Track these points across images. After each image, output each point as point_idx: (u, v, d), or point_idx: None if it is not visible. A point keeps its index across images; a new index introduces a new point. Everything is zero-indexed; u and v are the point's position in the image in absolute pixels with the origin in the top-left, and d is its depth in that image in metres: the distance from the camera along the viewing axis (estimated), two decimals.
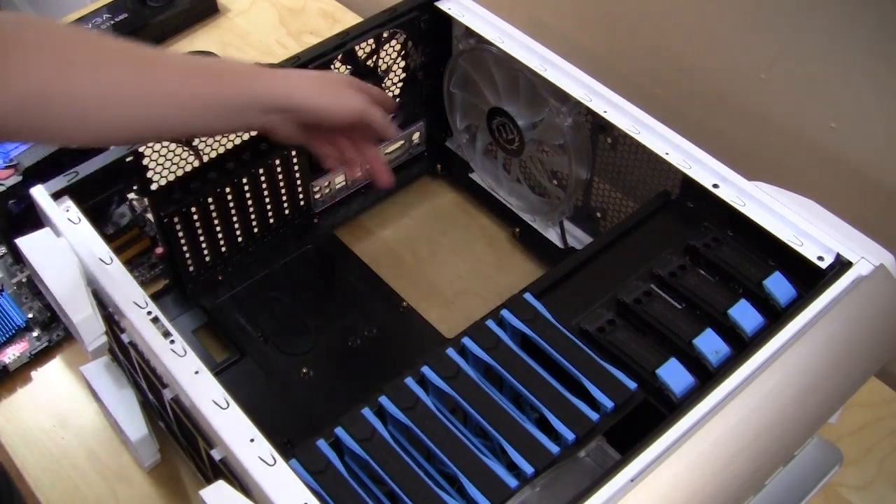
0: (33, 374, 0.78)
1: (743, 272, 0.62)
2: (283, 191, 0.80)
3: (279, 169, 0.78)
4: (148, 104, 0.58)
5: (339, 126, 0.67)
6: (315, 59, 0.76)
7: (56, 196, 0.64)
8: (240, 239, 0.80)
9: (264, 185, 0.78)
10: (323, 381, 0.74)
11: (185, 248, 0.76)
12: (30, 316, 0.79)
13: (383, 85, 0.84)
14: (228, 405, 0.52)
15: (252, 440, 0.50)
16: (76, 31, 0.57)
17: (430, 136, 0.91)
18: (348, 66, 0.80)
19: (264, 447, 0.50)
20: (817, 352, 0.55)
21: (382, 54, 0.82)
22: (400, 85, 0.86)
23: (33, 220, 0.68)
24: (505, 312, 0.60)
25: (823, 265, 0.60)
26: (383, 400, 0.56)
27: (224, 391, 0.53)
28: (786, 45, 0.75)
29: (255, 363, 0.75)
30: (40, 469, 0.71)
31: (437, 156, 0.92)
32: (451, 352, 0.58)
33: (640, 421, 0.54)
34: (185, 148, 0.72)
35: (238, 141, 0.75)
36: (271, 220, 0.81)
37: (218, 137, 0.74)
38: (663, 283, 0.62)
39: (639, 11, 0.85)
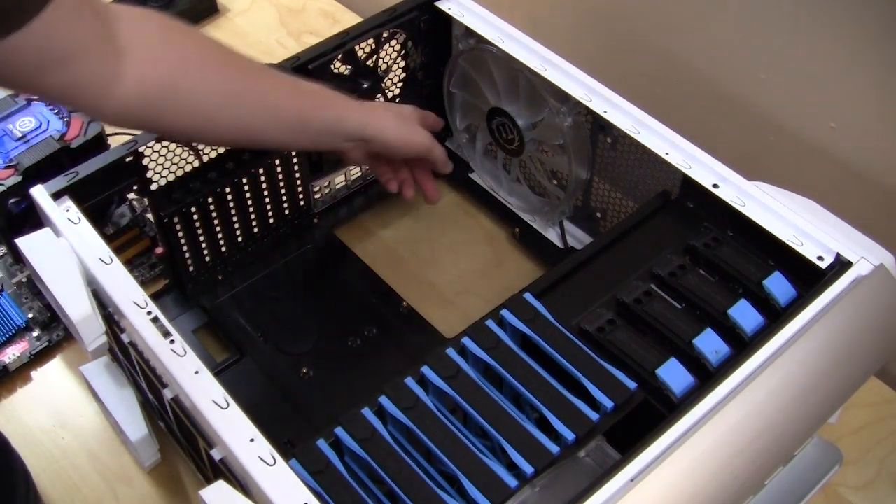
0: (33, 374, 0.78)
1: (743, 272, 0.62)
2: (283, 191, 0.80)
3: (279, 169, 0.78)
4: (257, 112, 0.63)
5: (402, 158, 0.76)
6: (315, 58, 0.76)
7: (56, 196, 0.64)
8: (240, 239, 0.80)
9: (264, 185, 0.78)
10: (323, 381, 0.74)
11: (185, 248, 0.76)
12: (30, 316, 0.79)
13: (383, 85, 0.84)
14: (228, 405, 0.52)
15: (252, 440, 0.50)
16: (198, 33, 0.61)
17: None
18: (348, 66, 0.80)
19: (264, 447, 0.50)
20: (817, 352, 0.55)
21: (382, 54, 0.82)
22: (400, 85, 0.86)
23: (33, 220, 0.68)
24: (505, 312, 0.60)
25: (823, 265, 0.60)
26: (383, 400, 0.56)
27: (224, 391, 0.53)
28: (786, 45, 0.75)
29: (255, 363, 0.75)
30: (40, 469, 0.71)
31: None
32: (451, 352, 0.58)
33: (640, 421, 0.54)
34: (185, 148, 0.72)
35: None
36: (271, 220, 0.81)
37: None
38: (663, 283, 0.62)
39: (639, 11, 0.85)
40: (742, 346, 0.58)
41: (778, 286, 0.60)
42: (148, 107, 0.57)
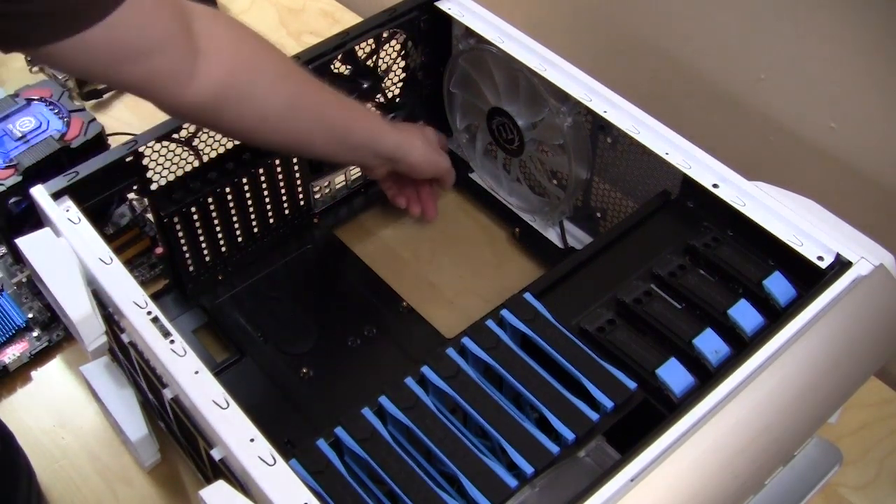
0: (33, 374, 0.78)
1: (743, 272, 0.62)
2: (283, 191, 0.80)
3: (279, 169, 0.78)
4: (311, 121, 0.66)
5: (421, 178, 0.79)
6: (315, 58, 0.76)
7: (56, 196, 0.64)
8: (240, 239, 0.80)
9: (264, 185, 0.78)
10: (323, 381, 0.74)
11: (185, 248, 0.76)
12: (30, 316, 0.79)
13: (383, 85, 0.84)
14: (228, 405, 0.52)
15: (252, 440, 0.50)
16: (260, 36, 0.64)
17: None
18: (348, 66, 0.80)
19: (264, 447, 0.50)
20: (817, 352, 0.55)
21: (382, 54, 0.82)
22: (400, 85, 0.86)
23: (33, 220, 0.68)
24: (505, 312, 0.60)
25: (823, 265, 0.60)
26: (383, 400, 0.56)
27: (224, 391, 0.53)
28: (786, 45, 0.75)
29: (255, 363, 0.75)
30: (40, 469, 0.71)
31: None
32: (451, 352, 0.58)
33: (640, 421, 0.54)
34: (185, 148, 0.72)
35: (238, 141, 0.75)
36: (271, 220, 0.81)
37: (218, 137, 0.74)
38: (663, 283, 0.62)
39: (639, 11, 0.85)
40: (742, 346, 0.58)
41: (778, 286, 0.60)
42: (217, 105, 0.59)
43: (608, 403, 0.55)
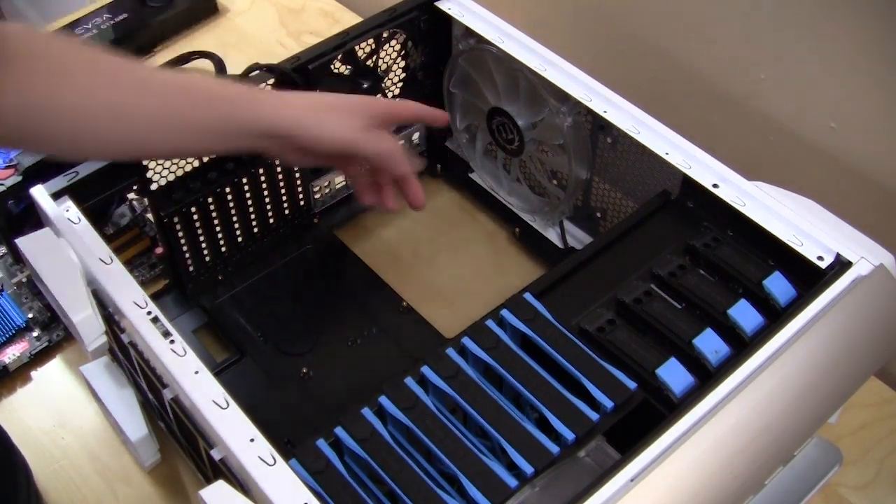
0: (33, 374, 0.78)
1: (743, 272, 0.62)
2: (283, 191, 0.80)
3: (279, 169, 0.78)
4: (137, 126, 0.58)
5: (331, 155, 0.64)
6: (315, 58, 0.76)
7: (56, 196, 0.64)
8: (240, 239, 0.80)
9: (264, 185, 0.78)
10: (323, 381, 0.74)
11: (185, 248, 0.76)
12: (30, 316, 0.79)
13: (383, 85, 0.84)
14: (228, 405, 0.52)
15: (252, 440, 0.50)
16: (73, 46, 0.57)
17: (430, 136, 0.91)
18: (348, 66, 0.80)
19: (264, 447, 0.50)
20: (817, 352, 0.55)
21: (382, 54, 0.82)
22: (400, 85, 0.86)
23: (33, 220, 0.68)
24: (505, 312, 0.60)
25: (823, 265, 0.60)
26: (383, 400, 0.56)
27: (224, 391, 0.53)
28: (786, 45, 0.75)
29: (255, 363, 0.75)
30: (40, 469, 0.71)
31: (436, 156, 0.92)
32: (451, 352, 0.58)
33: (640, 421, 0.54)
34: None
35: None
36: (271, 220, 0.81)
37: None
38: (663, 283, 0.62)
39: (639, 11, 0.85)
40: (742, 346, 0.58)
41: (778, 286, 0.60)
42: (23, 128, 0.54)
43: (608, 403, 0.55)
